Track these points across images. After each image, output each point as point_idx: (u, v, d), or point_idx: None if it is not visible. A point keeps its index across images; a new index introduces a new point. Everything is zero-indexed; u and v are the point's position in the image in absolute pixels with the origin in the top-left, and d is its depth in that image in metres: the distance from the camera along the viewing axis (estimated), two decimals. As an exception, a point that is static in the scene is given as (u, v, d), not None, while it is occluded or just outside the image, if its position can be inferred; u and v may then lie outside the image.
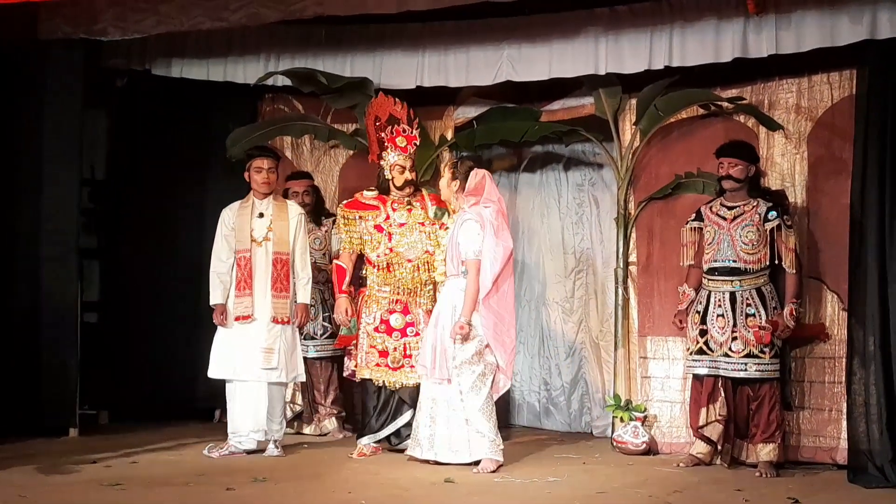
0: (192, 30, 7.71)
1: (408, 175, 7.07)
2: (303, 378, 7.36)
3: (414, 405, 6.96)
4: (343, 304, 7.01)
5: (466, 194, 6.74)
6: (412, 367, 6.94)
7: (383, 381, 6.99)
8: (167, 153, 8.83)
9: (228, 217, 7.17)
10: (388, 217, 7.03)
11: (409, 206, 7.09)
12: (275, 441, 7.10)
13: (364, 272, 7.15)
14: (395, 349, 6.98)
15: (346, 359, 7.25)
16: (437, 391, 6.67)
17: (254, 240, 7.07)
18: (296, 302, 7.14)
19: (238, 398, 7.03)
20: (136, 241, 8.89)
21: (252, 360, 6.96)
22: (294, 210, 7.23)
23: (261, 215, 7.12)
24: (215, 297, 7.11)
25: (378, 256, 7.00)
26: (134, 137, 9.06)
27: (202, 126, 8.76)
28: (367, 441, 7.02)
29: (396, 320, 7.00)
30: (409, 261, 7.01)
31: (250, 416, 7.00)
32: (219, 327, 7.10)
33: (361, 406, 7.31)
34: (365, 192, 7.16)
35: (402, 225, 7.02)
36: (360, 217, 7.05)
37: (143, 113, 9.01)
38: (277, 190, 7.39)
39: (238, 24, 7.57)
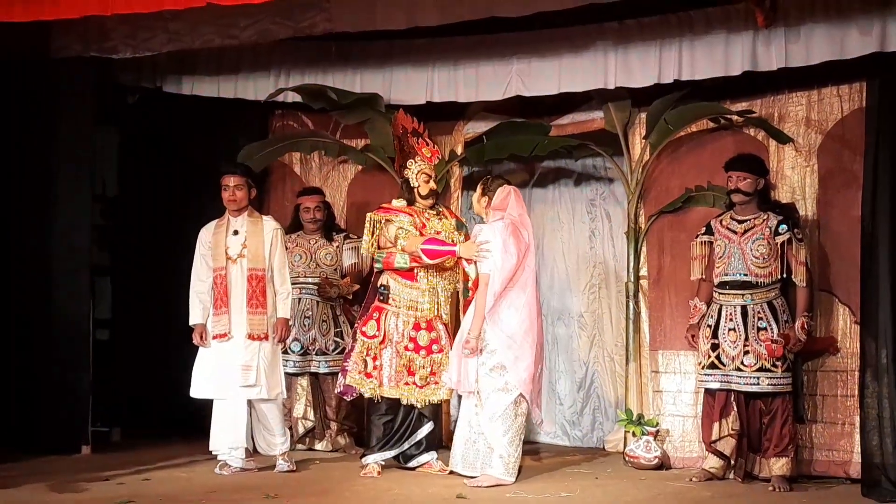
0: (203, 47, 7.74)
1: (432, 184, 7.06)
2: (284, 394, 7.24)
3: (433, 418, 7.00)
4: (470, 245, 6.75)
5: (493, 209, 6.76)
6: (436, 383, 6.91)
7: (412, 400, 6.90)
8: (178, 170, 8.89)
9: (205, 236, 7.11)
10: (424, 224, 6.97)
11: (438, 215, 7.07)
12: (282, 455, 7.06)
13: (383, 286, 7.03)
14: (422, 367, 6.90)
15: (339, 375, 7.11)
16: (465, 404, 6.74)
17: (229, 257, 7.00)
18: (276, 317, 7.04)
19: (217, 416, 6.98)
20: (148, 257, 8.96)
21: (231, 378, 6.87)
22: (269, 225, 7.11)
23: (235, 232, 7.04)
24: (195, 318, 7.03)
25: (418, 263, 6.89)
26: (145, 154, 9.14)
27: (213, 143, 8.80)
28: (376, 459, 6.94)
29: (423, 338, 6.92)
30: (445, 269, 6.97)
31: (228, 433, 6.90)
32: (200, 347, 7.03)
33: (367, 423, 7.16)
34: (393, 202, 7.10)
35: (438, 233, 6.97)
36: (401, 220, 6.93)
37: (154, 130, 9.07)
38: (253, 206, 7.25)
39: (248, 41, 7.62)
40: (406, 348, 6.90)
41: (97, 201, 8.55)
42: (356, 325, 7.19)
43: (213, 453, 7.00)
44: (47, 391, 7.65)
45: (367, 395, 6.94)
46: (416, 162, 7.07)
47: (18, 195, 7.81)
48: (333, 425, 8.08)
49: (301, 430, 8.02)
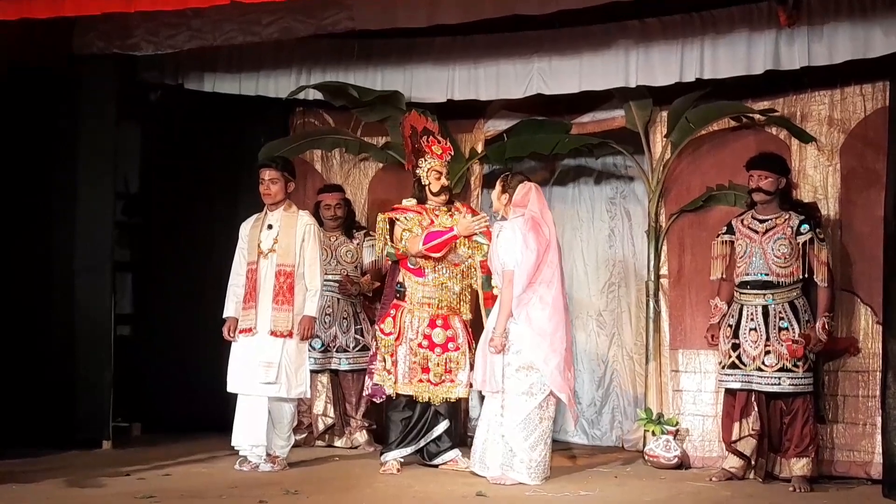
0: (225, 44, 7.76)
1: (444, 181, 7.07)
2: (307, 394, 7.21)
3: (449, 416, 6.99)
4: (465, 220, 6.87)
5: (514, 206, 6.75)
6: (452, 381, 6.93)
7: (427, 397, 6.92)
8: (200, 167, 8.91)
9: (244, 230, 7.13)
10: (432, 222, 6.98)
11: (450, 212, 7.08)
12: (275, 457, 6.95)
13: (400, 284, 7.05)
14: (437, 364, 6.91)
15: (367, 378, 7.17)
16: (487, 403, 6.71)
17: (260, 252, 6.99)
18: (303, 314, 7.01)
19: (239, 411, 6.95)
20: (169, 253, 8.98)
21: (253, 374, 6.85)
22: (302, 221, 7.06)
23: (270, 227, 7.03)
24: (227, 311, 7.04)
25: (426, 259, 6.95)
26: (167, 151, 9.16)
27: (234, 140, 8.82)
28: (394, 455, 6.95)
29: (438, 335, 6.94)
30: (456, 265, 6.98)
31: (249, 430, 6.86)
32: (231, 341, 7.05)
33: (385, 419, 7.19)
34: (404, 201, 7.12)
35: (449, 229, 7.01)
36: (407, 219, 6.97)
37: (176, 127, 9.10)
38: (291, 201, 7.21)
39: (270, 38, 7.62)
40: (420, 345, 6.92)
41: (119, 198, 8.57)
42: (376, 323, 7.21)
43: (235, 448, 7.01)
44: (68, 386, 7.68)
45: (387, 392, 6.95)
46: (426, 160, 7.08)
47: (41, 192, 7.85)
48: (353, 422, 8.09)
49: (321, 426, 8.05)
